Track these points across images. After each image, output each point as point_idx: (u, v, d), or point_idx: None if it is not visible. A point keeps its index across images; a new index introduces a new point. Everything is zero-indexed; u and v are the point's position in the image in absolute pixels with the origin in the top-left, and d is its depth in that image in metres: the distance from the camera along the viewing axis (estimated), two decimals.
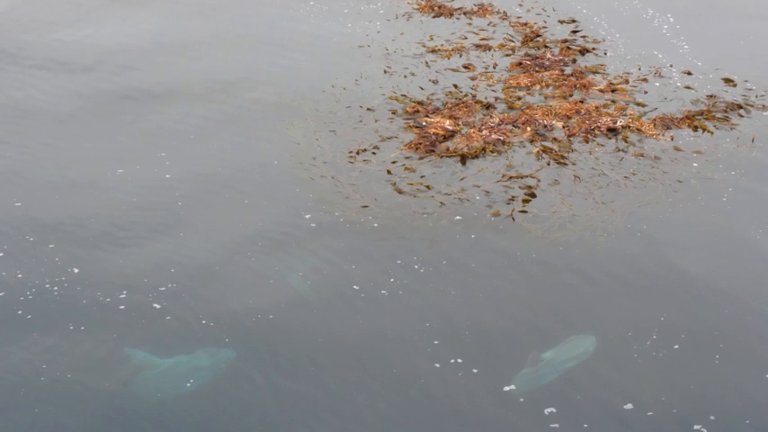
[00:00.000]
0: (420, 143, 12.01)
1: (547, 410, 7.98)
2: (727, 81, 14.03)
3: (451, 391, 8.17)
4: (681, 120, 12.80)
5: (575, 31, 15.96)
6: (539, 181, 11.28)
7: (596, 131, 12.41)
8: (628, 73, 14.32)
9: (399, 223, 10.43)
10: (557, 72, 14.21)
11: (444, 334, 8.79)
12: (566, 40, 15.54)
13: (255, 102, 13.31)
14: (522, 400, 8.10)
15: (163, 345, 8.64)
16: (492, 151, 11.90)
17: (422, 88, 13.69)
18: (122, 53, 14.91)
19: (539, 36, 15.73)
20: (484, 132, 12.27)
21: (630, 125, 12.56)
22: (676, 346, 8.65)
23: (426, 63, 14.60)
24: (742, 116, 13.01)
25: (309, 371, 8.35)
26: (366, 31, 15.91)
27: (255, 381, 8.23)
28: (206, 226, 10.37)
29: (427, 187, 11.11)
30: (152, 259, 9.74)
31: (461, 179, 11.30)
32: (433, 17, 16.70)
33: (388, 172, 11.42)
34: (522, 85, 13.77)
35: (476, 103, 13.17)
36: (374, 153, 11.85)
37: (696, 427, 7.84)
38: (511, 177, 11.34)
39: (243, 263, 9.76)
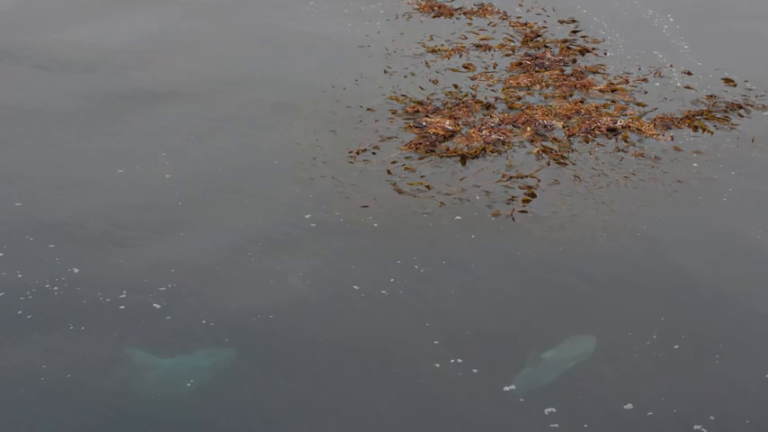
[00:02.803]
0: (420, 143, 12.00)
1: (547, 410, 7.98)
2: (727, 81, 14.03)
3: (451, 391, 8.16)
4: (681, 120, 12.80)
5: (575, 31, 15.96)
6: (539, 181, 11.27)
7: (596, 131, 12.40)
8: (628, 73, 14.32)
9: (399, 223, 10.42)
10: (557, 72, 14.21)
11: (444, 334, 8.78)
12: (566, 40, 15.54)
13: (255, 102, 13.30)
14: (522, 400, 8.09)
15: (163, 345, 8.63)
16: (492, 151, 11.90)
17: (422, 88, 13.69)
18: (122, 53, 14.91)
19: (539, 36, 15.73)
20: (484, 132, 12.27)
21: (630, 125, 12.55)
22: (676, 346, 8.64)
23: (426, 63, 14.59)
24: (742, 116, 13.01)
25: (309, 371, 8.35)
26: (366, 31, 15.90)
27: (255, 381, 8.22)
28: (206, 226, 10.36)
29: (427, 187, 11.11)
30: (152, 259, 9.73)
31: (461, 179, 11.29)
32: (433, 17, 16.71)
33: (389, 172, 11.42)
34: (522, 85, 13.77)
35: (476, 103, 13.16)
36: (374, 153, 11.84)
37: (696, 427, 7.83)
38: (511, 177, 11.33)
39: (243, 263, 9.75)
